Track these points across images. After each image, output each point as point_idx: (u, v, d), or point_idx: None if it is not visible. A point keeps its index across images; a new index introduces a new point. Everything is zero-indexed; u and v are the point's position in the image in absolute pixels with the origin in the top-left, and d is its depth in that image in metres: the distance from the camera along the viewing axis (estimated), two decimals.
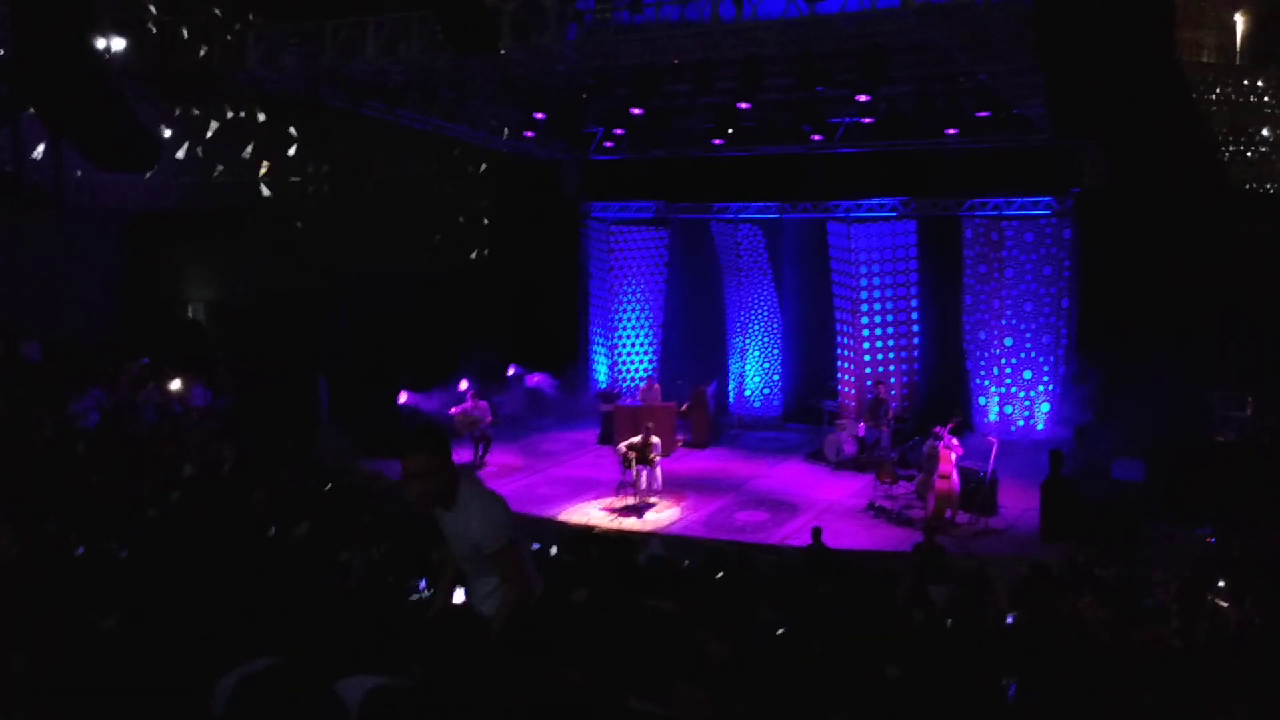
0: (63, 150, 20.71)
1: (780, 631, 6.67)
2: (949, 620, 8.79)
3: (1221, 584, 11.05)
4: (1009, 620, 9.08)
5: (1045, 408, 19.27)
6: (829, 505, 16.98)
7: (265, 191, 26.52)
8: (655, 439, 17.02)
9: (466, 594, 5.03)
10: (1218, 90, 41.54)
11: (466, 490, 4.77)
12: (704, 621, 7.15)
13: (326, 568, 8.84)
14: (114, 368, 17.54)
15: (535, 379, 22.21)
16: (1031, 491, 15.81)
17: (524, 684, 3.19)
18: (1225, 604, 10.11)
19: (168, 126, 24.60)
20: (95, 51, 20.44)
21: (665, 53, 15.06)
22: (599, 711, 3.09)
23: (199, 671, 3.28)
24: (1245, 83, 43.06)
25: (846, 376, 20.58)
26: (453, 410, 19.02)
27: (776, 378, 22.23)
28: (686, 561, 13.14)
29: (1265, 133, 43.21)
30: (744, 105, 16.38)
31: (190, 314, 23.74)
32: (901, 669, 6.27)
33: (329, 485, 14.65)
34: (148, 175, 22.76)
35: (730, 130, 18.62)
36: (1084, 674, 6.52)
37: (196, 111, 25.57)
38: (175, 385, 17.83)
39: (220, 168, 25.98)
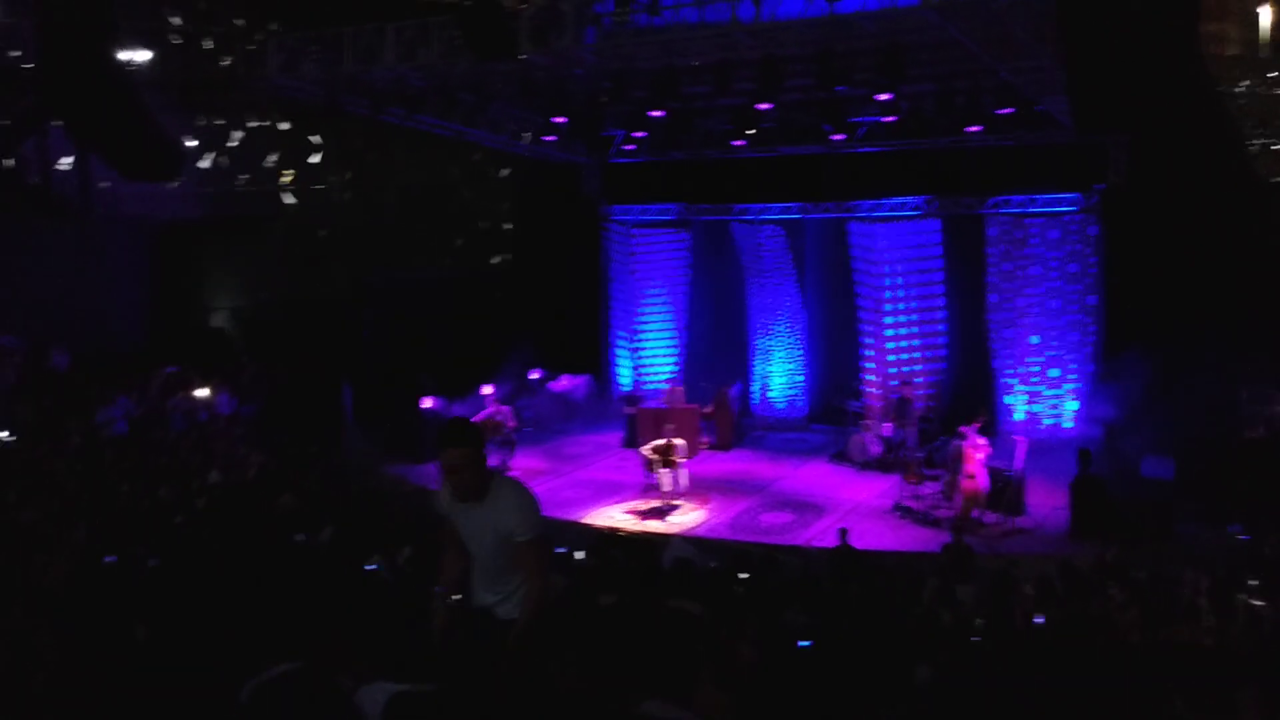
0: (89, 161, 20.90)
1: (807, 634, 6.64)
2: (977, 621, 8.72)
3: (1254, 582, 10.91)
4: (1038, 620, 8.99)
5: (1073, 405, 19.10)
6: (855, 506, 16.90)
7: (288, 199, 26.71)
8: (679, 441, 16.99)
9: (475, 596, 5.03)
10: (1244, 83, 41.10)
11: (498, 482, 4.94)
12: (730, 624, 7.13)
13: (352, 572, 8.86)
14: (141, 376, 17.68)
15: (565, 383, 22.22)
16: (1060, 490, 15.69)
17: (545, 688, 3.18)
18: (1259, 602, 9.97)
19: (191, 136, 24.80)
20: (119, 63, 20.64)
21: (684, 54, 15.05)
22: (616, 716, 3.07)
23: (226, 678, 3.29)
24: (1271, 74, 42.58)
25: (871, 377, 20.48)
26: (475, 417, 19.05)
27: (800, 379, 22.15)
28: (713, 564, 13.12)
29: None
30: (764, 106, 16.36)
31: (216, 322, 23.91)
32: (931, 670, 6.23)
33: (354, 490, 14.70)
34: (173, 185, 22.94)
35: (750, 131, 18.58)
36: (1114, 674, 6.45)
37: (220, 121, 25.79)
38: (202, 393, 17.96)
39: (244, 176, 26.17)
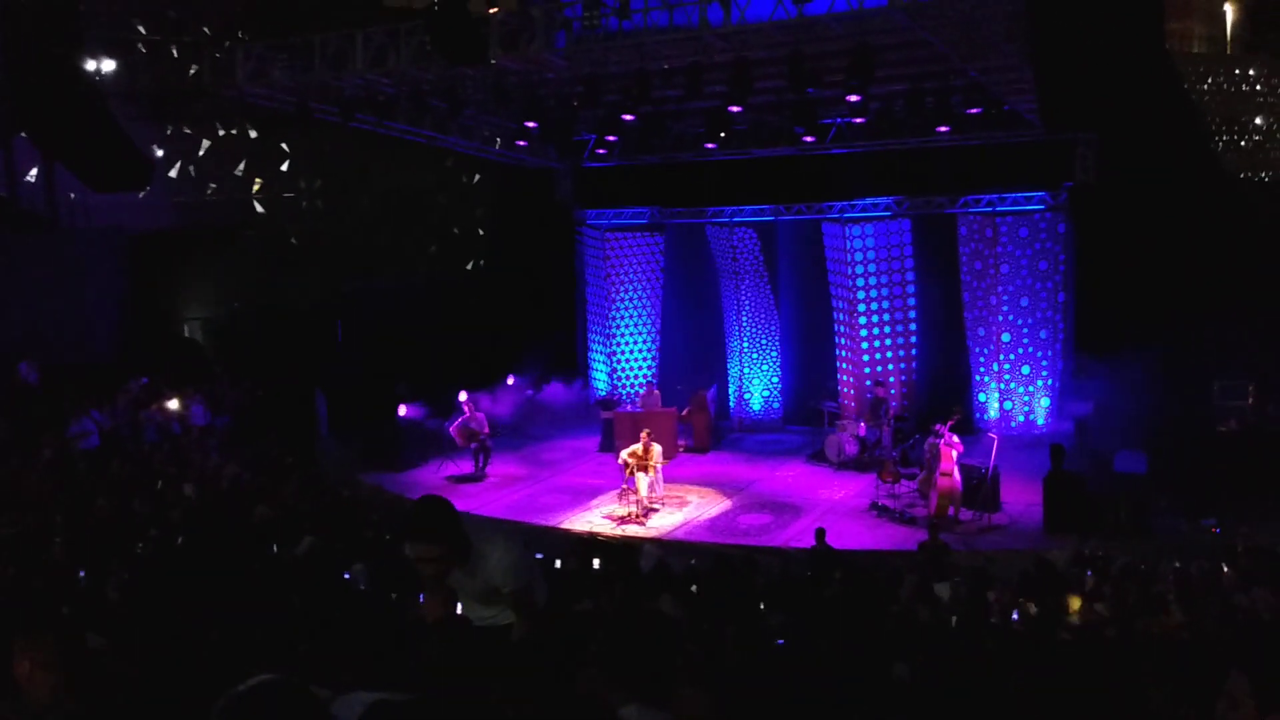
0: (57, 172, 20.71)
1: (785, 634, 6.66)
2: (954, 618, 8.77)
3: (1227, 572, 11.03)
4: (1014, 616, 9.05)
5: (1045, 402, 19.27)
6: (832, 506, 16.98)
7: (259, 208, 26.55)
8: (656, 445, 17.00)
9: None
10: (1209, 80, 41.56)
11: (478, 540, 4.51)
12: (710, 625, 7.14)
13: (330, 583, 8.81)
14: (114, 388, 17.52)
15: (543, 391, 22.19)
16: (1034, 487, 15.81)
17: (528, 696, 3.18)
18: (1233, 595, 10.08)
19: (160, 146, 24.62)
20: (86, 73, 20.49)
21: (655, 58, 15.08)
22: None
23: (200, 691, 3.27)
24: (1236, 72, 43.09)
25: (846, 377, 20.58)
26: (451, 428, 19.01)
27: (776, 380, 22.23)
28: (693, 560, 13.16)
29: (1258, 121, 43.25)
30: (735, 109, 16.40)
31: (188, 332, 23.73)
32: (909, 667, 6.26)
33: (330, 500, 14.62)
34: (141, 195, 22.76)
35: (722, 134, 18.64)
36: (1090, 668, 6.50)
37: (188, 130, 25.60)
38: (174, 404, 17.81)
39: (213, 186, 26.00)
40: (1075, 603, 9.01)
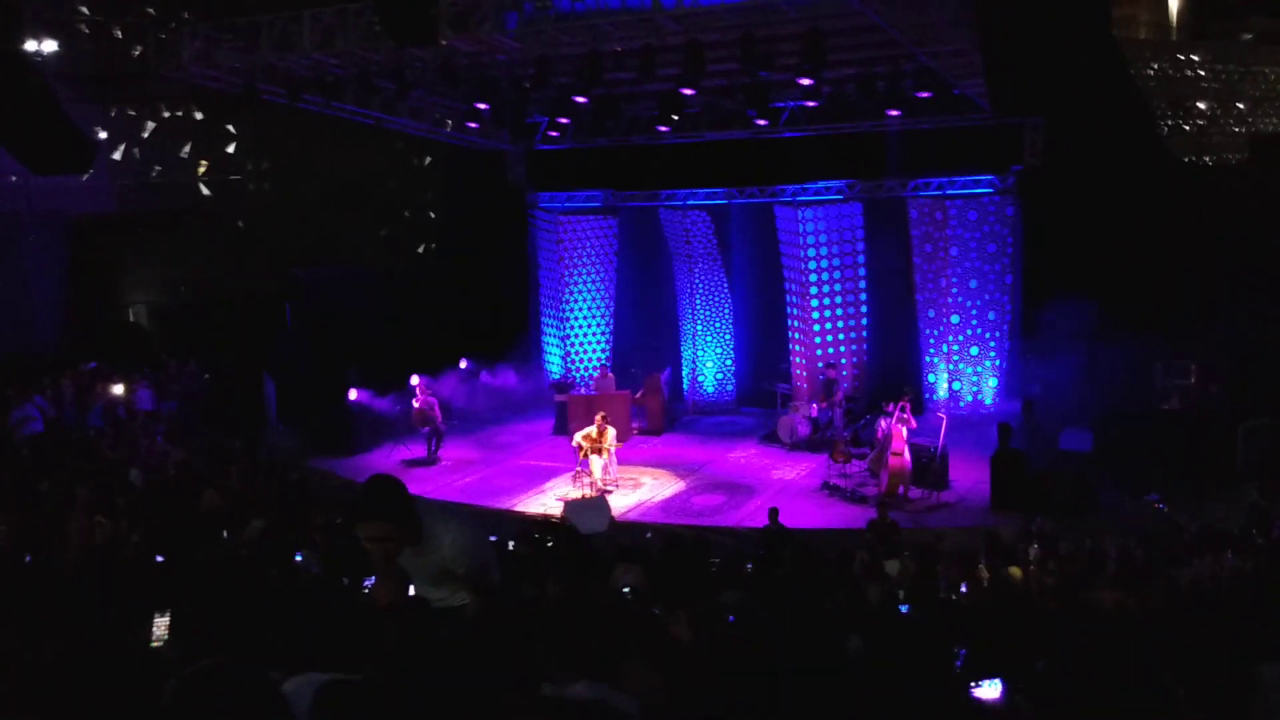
0: None
1: (739, 611, 6.73)
2: (901, 592, 8.90)
3: (1170, 549, 11.28)
4: (963, 589, 9.21)
5: (993, 382, 19.55)
6: (785, 486, 17.13)
7: (205, 191, 26.16)
8: (610, 427, 17.04)
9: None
10: (1155, 65, 42.12)
11: (430, 520, 4.41)
12: (662, 604, 7.19)
13: (280, 568, 8.75)
14: (57, 373, 17.23)
15: (496, 375, 22.12)
16: (981, 465, 16.06)
17: (479, 678, 3.19)
18: (1175, 569, 10.32)
19: (103, 128, 24.16)
20: (26, 54, 20.03)
21: (607, 40, 15.02)
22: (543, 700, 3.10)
23: (150, 675, 3.25)
24: (1181, 57, 43.73)
25: (798, 359, 20.74)
26: (414, 405, 18.91)
27: (729, 362, 22.34)
28: (649, 534, 13.23)
29: (1202, 106, 43.93)
30: (688, 91, 16.39)
31: (132, 317, 23.36)
32: (861, 641, 6.34)
33: (279, 485, 14.50)
34: (84, 178, 22.34)
35: (675, 117, 18.63)
36: (1034, 640, 6.62)
37: (132, 112, 25.14)
38: (119, 390, 17.56)
39: (158, 168, 25.58)
40: (1017, 572, 9.18)
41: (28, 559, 7.83)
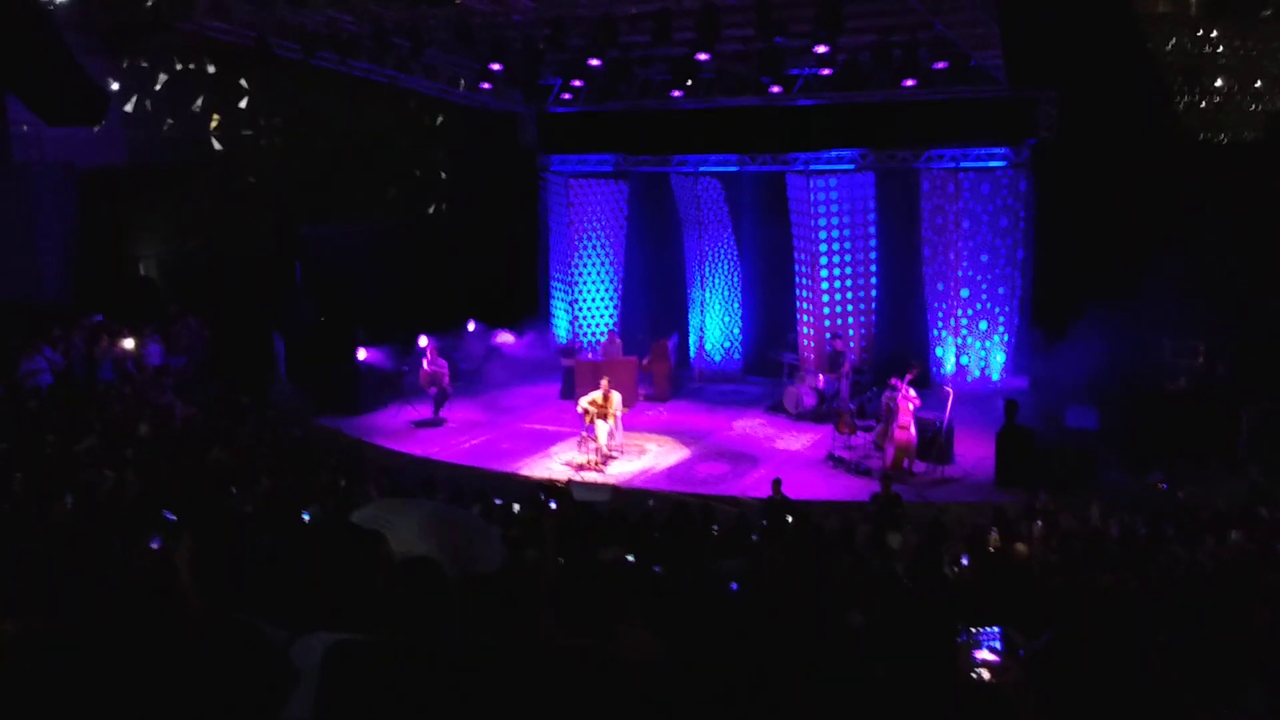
0: (8, 104, 20.20)
1: (740, 579, 6.77)
2: (903, 566, 8.93)
3: (1170, 529, 11.29)
4: (964, 561, 9.24)
5: (1001, 358, 19.49)
6: (789, 456, 17.16)
7: (217, 145, 26.07)
8: (616, 393, 17.05)
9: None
10: (1173, 40, 41.69)
11: (381, 523, 4.20)
12: (665, 570, 7.23)
13: (286, 525, 8.80)
14: (67, 326, 17.26)
15: (499, 337, 22.13)
16: (987, 440, 16.05)
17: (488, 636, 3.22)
18: (1176, 548, 10.33)
19: (115, 80, 24.06)
20: (39, 4, 19.94)
21: (623, 2, 14.89)
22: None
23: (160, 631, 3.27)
24: (1200, 33, 43.28)
25: (806, 329, 20.69)
26: (423, 366, 18.95)
27: (737, 331, 22.31)
28: (651, 501, 13.28)
29: (1219, 83, 43.53)
30: (703, 56, 16.27)
31: (142, 270, 23.37)
32: (862, 615, 6.37)
33: (286, 442, 14.56)
34: (96, 130, 22.27)
35: (689, 82, 18.50)
36: (1034, 617, 6.65)
37: (144, 64, 25.02)
38: (130, 344, 17.59)
39: (170, 121, 25.48)
40: (1024, 549, 9.20)
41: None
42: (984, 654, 3.90)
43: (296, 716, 2.85)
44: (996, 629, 3.80)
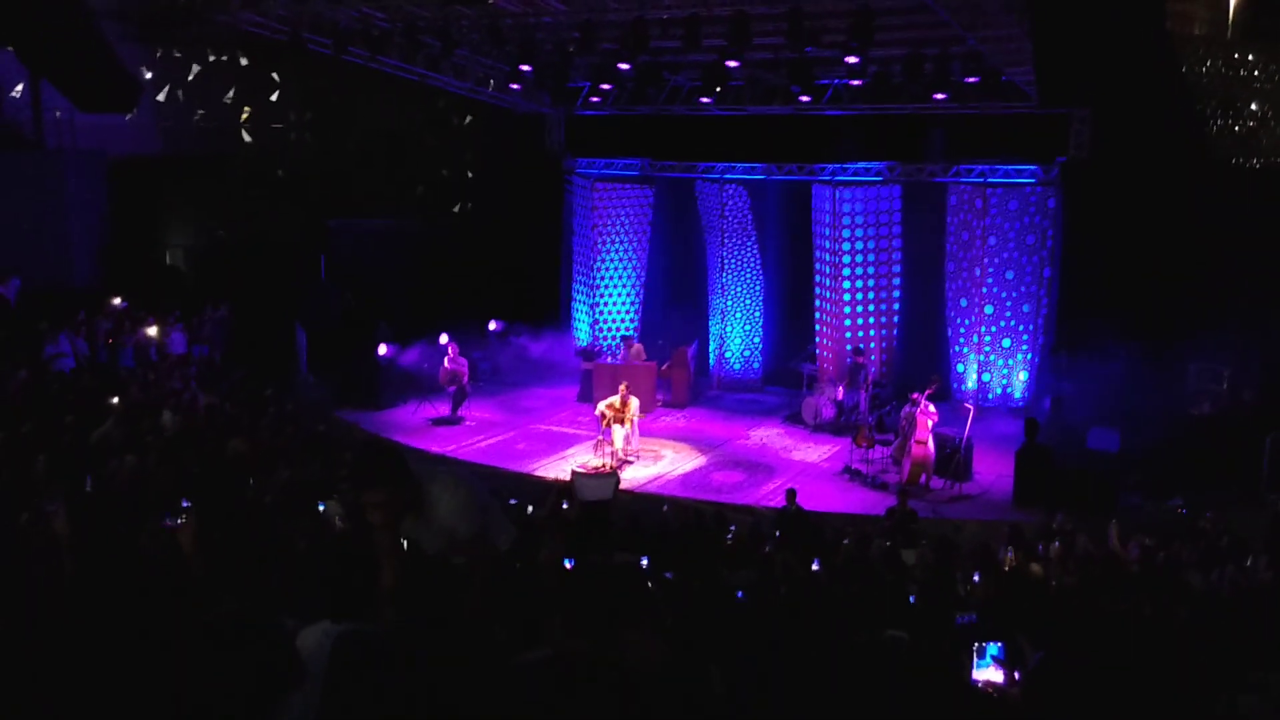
0: (42, 89, 20.41)
1: (749, 589, 6.77)
2: (916, 582, 8.91)
3: (1189, 555, 11.20)
4: (975, 579, 9.20)
5: (1024, 376, 19.39)
6: (805, 468, 17.12)
7: (247, 137, 26.24)
8: (634, 398, 17.07)
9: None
10: (1208, 63, 41.39)
11: (428, 482, 4.38)
12: (675, 577, 7.24)
13: (304, 518, 8.86)
14: (91, 312, 17.41)
15: (524, 338, 22.20)
16: (1006, 459, 15.98)
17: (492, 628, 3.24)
18: (1191, 574, 10.25)
19: (148, 69, 24.26)
20: None
21: (654, 6, 14.94)
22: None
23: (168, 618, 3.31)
24: (1235, 56, 42.96)
25: (826, 341, 20.65)
26: (444, 364, 19.03)
27: (757, 340, 22.26)
28: (666, 507, 13.29)
29: (1254, 107, 43.20)
30: (732, 64, 16.29)
31: (169, 259, 23.55)
32: (878, 630, 6.35)
33: (306, 435, 14.64)
34: (128, 118, 22.47)
35: (718, 89, 18.53)
36: (1045, 637, 6.61)
37: (178, 54, 25.21)
38: (153, 331, 17.73)
39: (201, 112, 25.66)
40: (1039, 569, 9.16)
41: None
42: (988, 670, 3.92)
43: (303, 705, 2.88)
44: (1000, 643, 3.81)
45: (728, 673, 3.87)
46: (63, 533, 4.37)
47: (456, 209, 28.44)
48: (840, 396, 19.10)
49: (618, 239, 22.66)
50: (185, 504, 5.57)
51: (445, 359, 19.12)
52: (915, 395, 15.97)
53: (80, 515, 4.41)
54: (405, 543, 4.52)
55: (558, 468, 16.73)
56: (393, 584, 4.27)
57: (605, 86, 19.98)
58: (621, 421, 16.87)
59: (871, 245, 20.15)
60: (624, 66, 17.04)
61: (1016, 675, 4.48)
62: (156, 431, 11.94)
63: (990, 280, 19.17)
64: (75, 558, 4.12)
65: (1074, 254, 18.58)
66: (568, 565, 5.93)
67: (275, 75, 26.14)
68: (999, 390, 19.47)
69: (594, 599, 3.54)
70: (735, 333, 22.21)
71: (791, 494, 13.72)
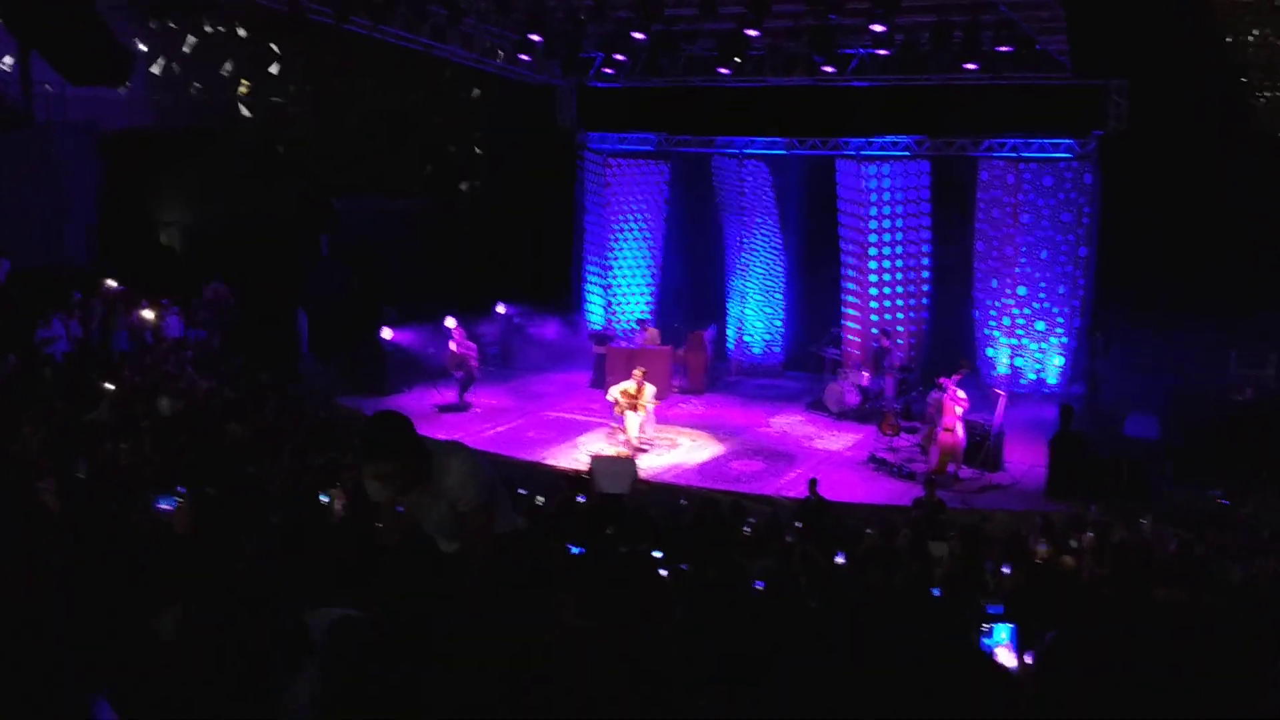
0: (33, 62, 20.52)
1: (767, 579, 6.80)
2: (938, 572, 8.92)
3: (1228, 544, 11.20)
4: (1005, 570, 9.21)
5: (1058, 360, 19.33)
6: (828, 456, 17.15)
7: (245, 112, 26.35)
8: (649, 384, 17.10)
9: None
10: (1255, 32, 41.01)
11: (437, 456, 4.51)
12: (691, 566, 7.28)
13: (305, 505, 8.93)
14: (85, 293, 17.53)
15: (534, 321, 22.25)
16: (1039, 447, 15.97)
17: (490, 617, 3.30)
18: (1229, 566, 10.24)
19: (142, 41, 24.36)
20: None
21: None
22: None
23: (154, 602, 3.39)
24: None
25: (851, 323, 20.62)
26: (450, 348, 19.10)
27: (778, 323, 22.26)
28: (684, 500, 13.33)
29: None
30: (752, 33, 16.24)
31: (165, 239, 23.68)
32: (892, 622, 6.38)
33: (308, 421, 14.73)
34: (121, 91, 22.57)
35: (737, 59, 18.48)
36: (1082, 631, 6.62)
37: (173, 25, 25.31)
38: (148, 314, 17.84)
39: (197, 85, 25.78)
40: (1070, 562, 9.15)
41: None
42: (1001, 651, 3.95)
43: (302, 688, 2.96)
44: (1013, 625, 3.85)
45: (744, 663, 3.92)
46: (181, 523, 4.46)
47: (464, 187, 28.52)
48: (865, 382, 19.10)
49: (632, 217, 22.67)
50: (180, 489, 5.70)
51: (451, 342, 19.19)
52: (943, 380, 15.95)
53: (72, 497, 4.50)
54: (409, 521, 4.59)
55: (569, 456, 16.79)
56: (397, 541, 4.35)
57: (619, 57, 19.95)
58: (636, 408, 16.91)
59: (900, 223, 20.11)
60: (638, 36, 17.00)
61: (1029, 659, 4.53)
62: (152, 416, 12.03)
63: (1024, 260, 19.10)
64: (67, 539, 4.21)
65: (1111, 232, 18.48)
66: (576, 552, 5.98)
67: (274, 47, 26.23)
68: (1032, 375, 19.42)
69: (604, 585, 3.60)
70: (755, 315, 22.21)
71: (813, 484, 13.75)
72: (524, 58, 20.20)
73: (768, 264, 21.93)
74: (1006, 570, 9.15)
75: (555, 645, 3.08)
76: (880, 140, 19.82)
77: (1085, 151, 18.64)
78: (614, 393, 17.16)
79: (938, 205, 20.17)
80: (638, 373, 17.10)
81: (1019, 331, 19.39)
